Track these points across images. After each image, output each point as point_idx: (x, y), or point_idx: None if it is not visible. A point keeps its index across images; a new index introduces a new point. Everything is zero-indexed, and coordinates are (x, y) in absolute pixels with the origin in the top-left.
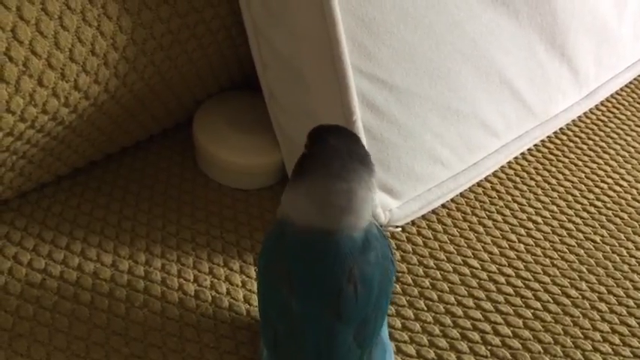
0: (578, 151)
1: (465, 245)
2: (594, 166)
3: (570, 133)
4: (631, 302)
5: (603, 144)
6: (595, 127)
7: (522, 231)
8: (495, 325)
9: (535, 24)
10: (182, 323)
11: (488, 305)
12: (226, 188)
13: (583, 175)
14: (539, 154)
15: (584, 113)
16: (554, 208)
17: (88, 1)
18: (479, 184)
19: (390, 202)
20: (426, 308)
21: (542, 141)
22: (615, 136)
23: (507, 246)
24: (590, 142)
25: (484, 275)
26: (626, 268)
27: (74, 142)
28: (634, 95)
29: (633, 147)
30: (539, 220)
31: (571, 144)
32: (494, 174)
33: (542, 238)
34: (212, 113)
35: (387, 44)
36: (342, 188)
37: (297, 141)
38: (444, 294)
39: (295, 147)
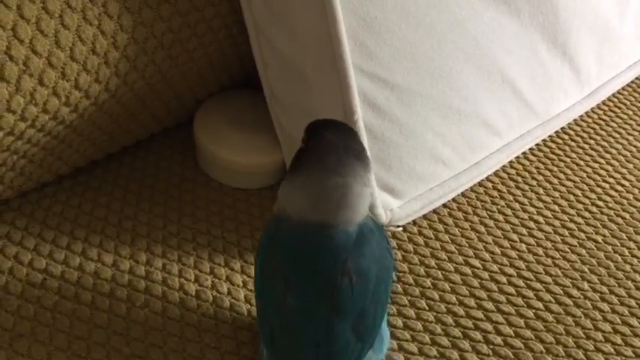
0: (580, 151)
1: (467, 245)
2: (596, 165)
3: (572, 132)
4: (633, 302)
5: (605, 143)
6: (596, 127)
7: (524, 230)
8: (497, 324)
9: (537, 23)
10: (183, 323)
11: (489, 305)
12: (227, 187)
13: (584, 175)
14: (541, 154)
15: (586, 113)
16: (556, 207)
17: None
18: (480, 184)
19: (392, 201)
20: (427, 308)
21: (544, 140)
22: (617, 135)
23: (509, 246)
24: (592, 142)
25: (486, 275)
26: (627, 267)
27: (75, 141)
28: (635, 95)
29: (635, 147)
30: (541, 219)
31: (572, 143)
32: (496, 173)
33: (543, 237)
34: (213, 112)
35: (389, 43)
36: (337, 183)
37: (298, 140)
38: (446, 294)
39: (296, 146)
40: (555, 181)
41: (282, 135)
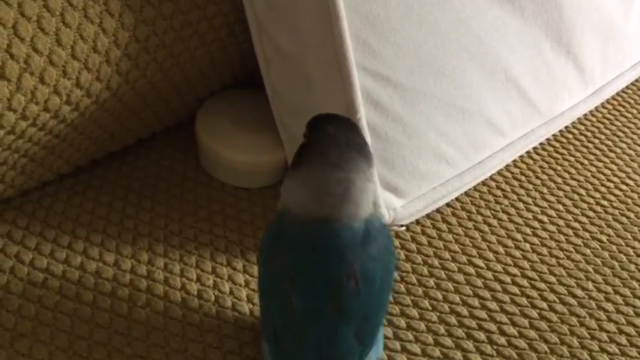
0: (584, 150)
1: (470, 244)
2: (600, 164)
3: (575, 131)
4: (638, 302)
5: (609, 142)
6: (600, 126)
7: (528, 230)
8: (501, 325)
9: (541, 21)
10: (185, 323)
11: (493, 305)
12: (229, 187)
13: (589, 174)
14: (545, 153)
15: (590, 111)
16: (560, 207)
17: None
18: (484, 183)
19: (395, 200)
20: (430, 308)
21: (548, 139)
22: (621, 134)
23: (513, 245)
24: (596, 141)
25: (489, 275)
26: (632, 267)
27: (76, 140)
28: (639, 94)
29: (639, 145)
30: (545, 219)
31: (576, 142)
32: (500, 172)
33: (547, 237)
34: (215, 111)
35: (392, 41)
36: (339, 177)
37: (300, 138)
38: (449, 294)
39: (298, 145)
40: (559, 180)
41: (285, 133)
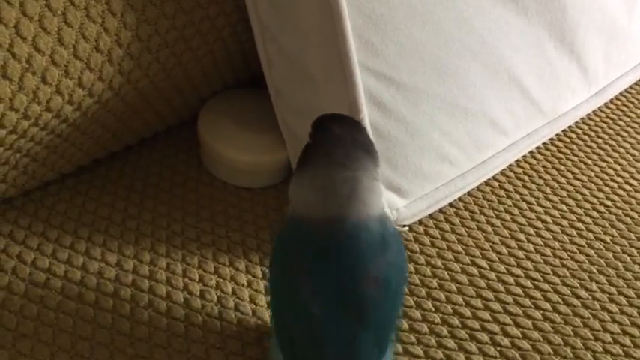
0: (587, 150)
1: (473, 245)
2: (603, 164)
3: (579, 131)
4: None
5: (612, 142)
6: (604, 125)
7: (531, 230)
8: (504, 326)
9: (544, 21)
10: (187, 323)
11: (497, 306)
12: (231, 187)
13: (592, 174)
14: (548, 153)
15: (593, 111)
16: (563, 207)
17: None
18: (487, 183)
19: (397, 201)
20: (433, 309)
21: (551, 139)
22: (624, 134)
23: (516, 246)
24: (599, 141)
25: (492, 275)
26: (636, 268)
27: (78, 139)
28: None
29: None
30: (548, 219)
31: (580, 142)
32: (503, 173)
33: (551, 237)
34: (217, 111)
35: (395, 41)
36: (346, 177)
37: (302, 139)
38: (452, 294)
39: (301, 145)
40: (562, 180)
41: (287, 133)
